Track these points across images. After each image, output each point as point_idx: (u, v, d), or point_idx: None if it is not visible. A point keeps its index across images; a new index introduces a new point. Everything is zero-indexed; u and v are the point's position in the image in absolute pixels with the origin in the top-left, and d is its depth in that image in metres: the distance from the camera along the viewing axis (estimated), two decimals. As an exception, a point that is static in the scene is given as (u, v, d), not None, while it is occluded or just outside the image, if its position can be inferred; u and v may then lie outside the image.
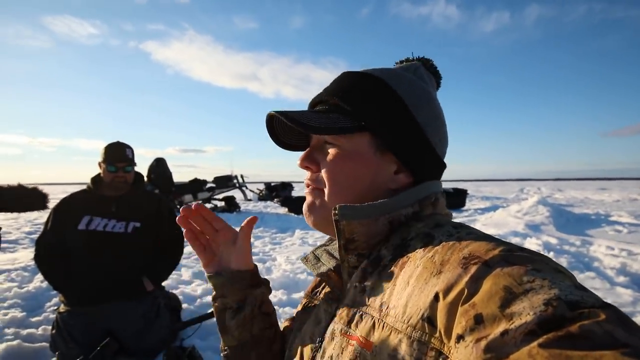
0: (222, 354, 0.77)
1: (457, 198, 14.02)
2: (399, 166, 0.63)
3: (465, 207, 14.33)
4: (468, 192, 14.84)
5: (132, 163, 2.53)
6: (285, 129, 0.70)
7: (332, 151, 0.63)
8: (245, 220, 0.73)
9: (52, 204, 2.55)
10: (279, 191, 19.08)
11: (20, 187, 14.45)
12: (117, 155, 2.47)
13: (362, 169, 0.62)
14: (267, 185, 20.20)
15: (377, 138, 0.62)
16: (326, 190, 0.63)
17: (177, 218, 0.73)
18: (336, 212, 0.57)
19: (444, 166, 0.68)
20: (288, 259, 5.71)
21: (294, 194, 18.75)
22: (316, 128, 0.59)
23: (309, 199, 0.67)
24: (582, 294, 0.36)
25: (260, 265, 5.32)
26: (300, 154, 0.68)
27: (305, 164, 0.66)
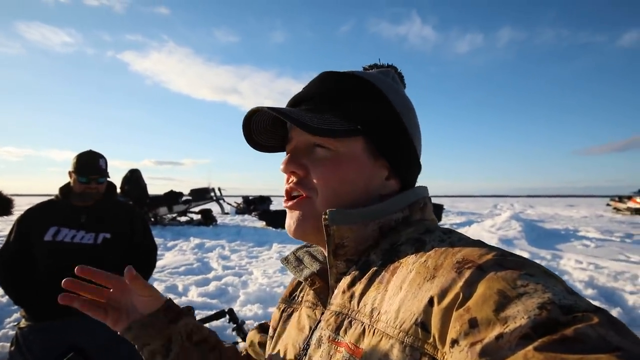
0: None
1: (434, 213, 14.19)
2: (390, 172, 0.62)
3: (441, 222, 14.52)
4: (444, 207, 15.10)
5: (105, 174, 2.44)
6: (261, 127, 0.66)
7: (324, 154, 0.60)
8: (126, 272, 0.65)
9: (17, 215, 2.43)
10: (257, 205, 18.91)
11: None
12: (90, 166, 2.38)
13: (357, 173, 0.59)
14: (245, 198, 20.00)
15: (371, 143, 0.60)
16: (318, 196, 0.59)
17: (60, 297, 0.67)
18: (326, 216, 0.55)
19: (420, 170, 0.68)
20: (265, 273, 5.63)
21: (272, 207, 18.60)
22: (314, 128, 0.55)
23: (294, 211, 0.61)
24: (575, 298, 0.36)
25: (236, 279, 5.22)
26: (278, 154, 0.65)
27: (292, 168, 0.61)
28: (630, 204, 21.22)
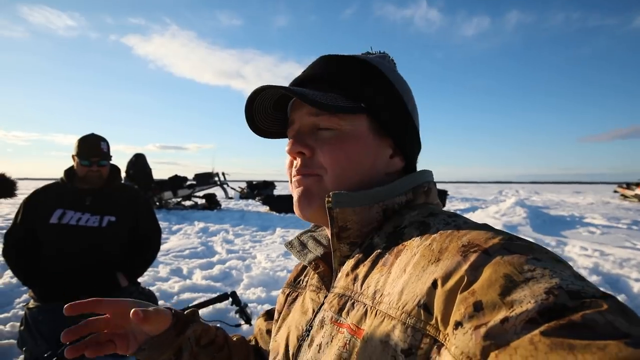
0: None
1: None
2: (394, 150, 0.64)
3: (445, 208, 14.49)
4: (448, 193, 15.08)
5: (107, 157, 2.45)
6: (263, 112, 0.66)
7: (329, 134, 0.60)
8: (133, 316, 0.60)
9: (23, 197, 2.46)
10: (260, 189, 18.98)
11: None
12: (91, 148, 2.38)
13: (364, 151, 0.60)
14: (249, 183, 20.07)
15: (375, 121, 0.61)
16: (327, 175, 0.60)
17: (67, 352, 0.60)
18: (330, 199, 0.55)
19: (420, 149, 0.70)
20: (268, 257, 5.67)
21: (276, 192, 18.67)
22: (321, 104, 0.55)
23: (303, 187, 0.61)
24: (583, 284, 0.35)
25: (240, 263, 5.28)
26: (284, 141, 0.65)
27: (299, 149, 0.60)
28: (638, 191, 21.05)
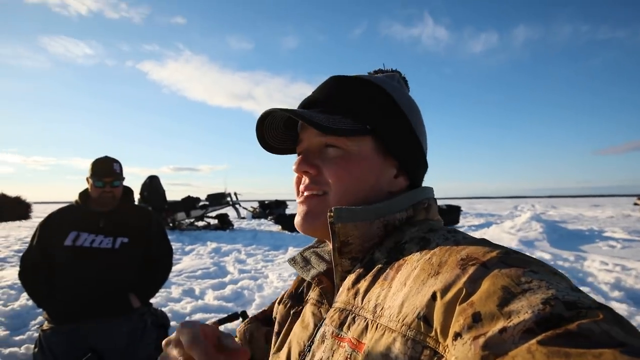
0: None
1: (451, 215, 14.04)
2: (398, 170, 0.65)
3: (459, 224, 14.32)
4: (462, 209, 14.88)
5: (120, 177, 2.50)
6: (273, 130, 0.69)
7: (336, 153, 0.62)
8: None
9: (39, 220, 2.52)
10: (272, 209, 19.01)
11: (3, 196, 14.34)
12: (104, 169, 2.44)
13: (367, 171, 0.62)
14: (261, 203, 20.14)
15: (380, 142, 0.63)
16: (331, 192, 0.62)
17: None
18: (332, 214, 0.57)
19: (427, 169, 0.71)
20: (280, 276, 5.64)
21: (288, 211, 18.69)
22: (326, 127, 0.58)
23: (308, 205, 0.64)
24: (579, 295, 0.36)
25: (252, 283, 5.26)
26: (292, 158, 0.67)
27: (305, 168, 0.63)
28: (658, 203, 20.45)
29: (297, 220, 0.65)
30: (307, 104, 0.67)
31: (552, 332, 0.32)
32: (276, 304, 0.78)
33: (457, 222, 14.30)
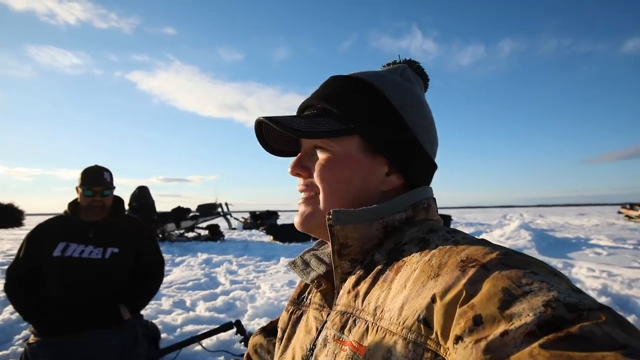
0: None
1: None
2: (390, 168, 0.63)
3: (449, 233, 14.32)
4: (452, 218, 14.97)
5: (110, 187, 2.47)
6: (275, 135, 0.69)
7: (322, 156, 0.62)
8: None
9: (27, 231, 2.47)
10: (264, 219, 18.89)
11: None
12: (94, 178, 2.41)
13: (353, 172, 0.61)
14: (252, 213, 20.00)
15: (367, 140, 0.61)
16: (320, 196, 0.62)
17: None
18: (330, 216, 0.56)
19: (434, 166, 0.67)
20: (273, 287, 5.60)
21: (279, 222, 18.58)
22: (304, 132, 0.58)
23: (301, 207, 0.65)
24: (580, 296, 0.36)
25: (244, 294, 5.21)
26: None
27: (296, 170, 0.65)
28: (642, 211, 20.86)
29: (295, 219, 0.66)
30: (303, 108, 0.67)
31: (554, 335, 0.31)
32: (283, 313, 0.76)
33: (447, 231, 14.31)
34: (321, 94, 0.65)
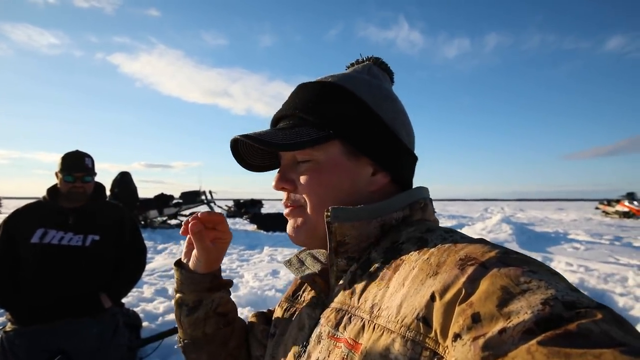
0: (178, 345, 0.78)
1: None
2: (375, 167, 0.62)
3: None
4: (435, 210, 15.14)
5: (92, 173, 2.40)
6: (251, 150, 0.69)
7: (305, 166, 0.62)
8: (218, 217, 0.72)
9: (3, 217, 2.40)
10: (248, 208, 18.83)
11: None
12: (75, 164, 2.34)
13: (339, 177, 0.61)
14: (236, 202, 19.91)
15: (347, 144, 0.61)
16: (308, 206, 0.62)
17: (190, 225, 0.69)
18: (329, 214, 0.56)
19: (415, 158, 0.68)
20: (256, 276, 5.59)
21: (263, 211, 18.55)
22: (282, 145, 0.58)
23: (291, 220, 0.65)
24: (578, 295, 0.36)
25: (227, 282, 5.19)
26: (274, 174, 0.67)
27: (281, 185, 0.64)
28: (619, 208, 21.56)
29: (288, 233, 0.66)
30: (276, 119, 0.67)
31: (551, 333, 0.32)
32: (276, 307, 0.77)
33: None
34: (294, 103, 0.64)
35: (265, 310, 0.85)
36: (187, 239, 0.73)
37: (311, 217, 0.62)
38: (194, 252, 0.72)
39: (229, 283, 0.77)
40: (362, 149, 0.61)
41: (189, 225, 0.69)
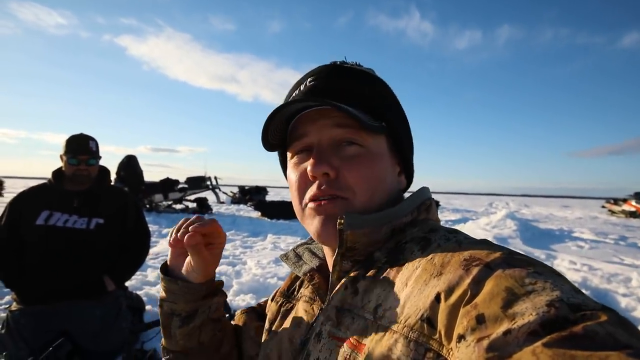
0: (164, 358, 0.71)
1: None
2: (401, 168, 0.65)
3: (436, 218, 14.54)
4: (440, 203, 15.13)
5: (96, 156, 2.41)
6: (279, 126, 0.60)
7: (357, 151, 0.57)
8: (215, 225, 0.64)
9: (10, 197, 2.41)
10: (252, 195, 18.91)
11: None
12: (80, 147, 2.34)
13: (386, 170, 0.60)
14: (241, 188, 19.99)
15: (390, 140, 0.62)
16: (357, 196, 0.56)
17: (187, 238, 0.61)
18: (342, 221, 0.53)
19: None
20: (259, 263, 5.63)
21: (268, 198, 18.60)
22: (372, 126, 0.56)
23: (328, 211, 0.56)
24: (583, 297, 0.36)
25: (229, 269, 5.22)
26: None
27: (324, 169, 0.55)
28: (625, 207, 21.37)
29: (318, 228, 0.57)
30: (316, 92, 0.59)
31: (557, 335, 0.31)
32: (269, 301, 0.76)
33: (435, 216, 14.53)
34: (344, 84, 0.59)
35: (255, 306, 0.83)
36: (171, 240, 0.65)
37: (357, 209, 0.56)
38: (188, 261, 0.65)
39: (222, 283, 0.73)
40: (401, 147, 0.64)
41: (185, 238, 0.61)
